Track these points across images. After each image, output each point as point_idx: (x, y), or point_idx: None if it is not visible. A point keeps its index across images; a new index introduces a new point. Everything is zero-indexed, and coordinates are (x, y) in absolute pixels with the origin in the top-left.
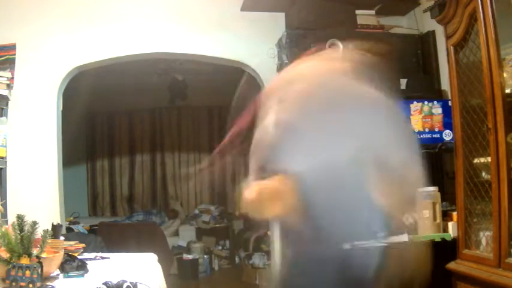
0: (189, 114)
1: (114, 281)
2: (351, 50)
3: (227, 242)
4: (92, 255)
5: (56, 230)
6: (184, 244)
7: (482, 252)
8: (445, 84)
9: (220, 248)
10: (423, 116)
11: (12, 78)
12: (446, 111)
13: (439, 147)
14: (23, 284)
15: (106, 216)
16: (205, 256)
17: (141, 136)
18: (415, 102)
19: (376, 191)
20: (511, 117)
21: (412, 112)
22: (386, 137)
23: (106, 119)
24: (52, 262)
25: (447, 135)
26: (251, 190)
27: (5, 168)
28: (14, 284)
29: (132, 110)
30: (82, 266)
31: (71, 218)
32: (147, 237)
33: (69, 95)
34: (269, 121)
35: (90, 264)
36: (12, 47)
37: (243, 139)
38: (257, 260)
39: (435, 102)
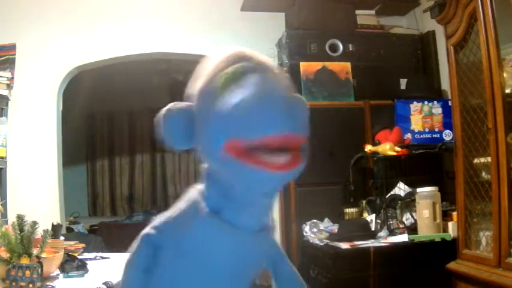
0: None
1: (114, 281)
2: None
3: None
4: (92, 255)
5: (56, 230)
6: None
7: (482, 252)
8: (445, 84)
9: None
10: (423, 116)
11: (12, 78)
12: (446, 111)
13: (439, 147)
14: (23, 284)
15: (106, 216)
16: None
17: (141, 136)
18: (415, 102)
19: None
20: (511, 117)
21: (412, 112)
22: None
23: (106, 119)
24: (52, 262)
25: (447, 135)
26: None
27: (5, 168)
28: (14, 284)
29: (132, 110)
30: (82, 266)
31: (71, 218)
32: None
33: (69, 95)
34: None
35: (90, 264)
36: (12, 47)
37: None
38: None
39: (435, 102)
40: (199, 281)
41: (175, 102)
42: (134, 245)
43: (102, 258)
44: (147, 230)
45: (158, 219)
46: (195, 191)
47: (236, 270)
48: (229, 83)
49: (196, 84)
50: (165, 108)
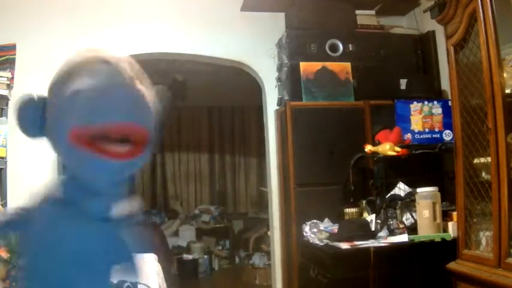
0: (189, 114)
1: (114, 281)
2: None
3: (227, 242)
4: None
5: None
6: (184, 244)
7: (482, 252)
8: (445, 84)
9: (220, 248)
10: (423, 116)
11: (12, 78)
12: (446, 111)
13: (439, 147)
14: None
15: None
16: (205, 256)
17: None
18: (415, 102)
19: None
20: (511, 117)
21: (412, 112)
22: None
23: None
24: None
25: (447, 135)
26: None
27: (5, 168)
28: (14, 284)
29: None
30: None
31: None
32: (147, 237)
33: None
34: None
35: None
36: (12, 47)
37: None
38: (257, 260)
39: (435, 102)
40: (52, 268)
41: (29, 93)
42: None
43: None
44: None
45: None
46: (55, 180)
47: (90, 259)
48: (74, 72)
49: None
50: (19, 97)
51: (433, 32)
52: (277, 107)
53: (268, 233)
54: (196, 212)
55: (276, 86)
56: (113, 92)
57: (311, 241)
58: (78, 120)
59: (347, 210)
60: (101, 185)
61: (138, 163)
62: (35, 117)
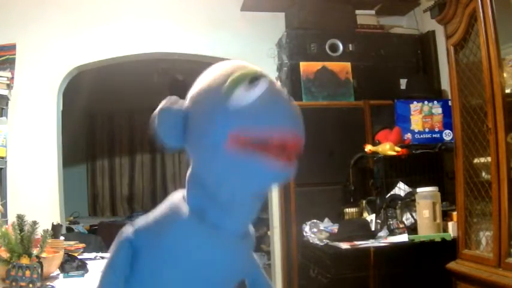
0: None
1: None
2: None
3: None
4: (92, 255)
5: (56, 230)
6: None
7: (482, 252)
8: (445, 84)
9: None
10: (423, 116)
11: (12, 78)
12: (446, 111)
13: (439, 147)
14: (23, 284)
15: (106, 216)
16: None
17: (141, 136)
18: (415, 102)
19: None
20: (511, 117)
21: (412, 112)
22: None
23: (106, 119)
24: (52, 262)
25: (447, 135)
26: None
27: (5, 168)
28: (14, 284)
29: (133, 110)
30: (82, 266)
31: (71, 218)
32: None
33: (69, 95)
34: None
35: (90, 264)
36: (12, 47)
37: None
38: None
39: (435, 102)
40: (179, 286)
41: (170, 99)
42: (113, 247)
43: (102, 258)
44: (127, 232)
45: (138, 222)
46: (177, 195)
47: (218, 275)
48: (239, 84)
49: (194, 89)
50: (159, 107)
51: (433, 32)
52: None
53: (268, 233)
54: None
55: None
56: (278, 100)
57: (311, 241)
58: (241, 123)
59: (347, 210)
60: (244, 197)
61: (291, 174)
62: (176, 127)
